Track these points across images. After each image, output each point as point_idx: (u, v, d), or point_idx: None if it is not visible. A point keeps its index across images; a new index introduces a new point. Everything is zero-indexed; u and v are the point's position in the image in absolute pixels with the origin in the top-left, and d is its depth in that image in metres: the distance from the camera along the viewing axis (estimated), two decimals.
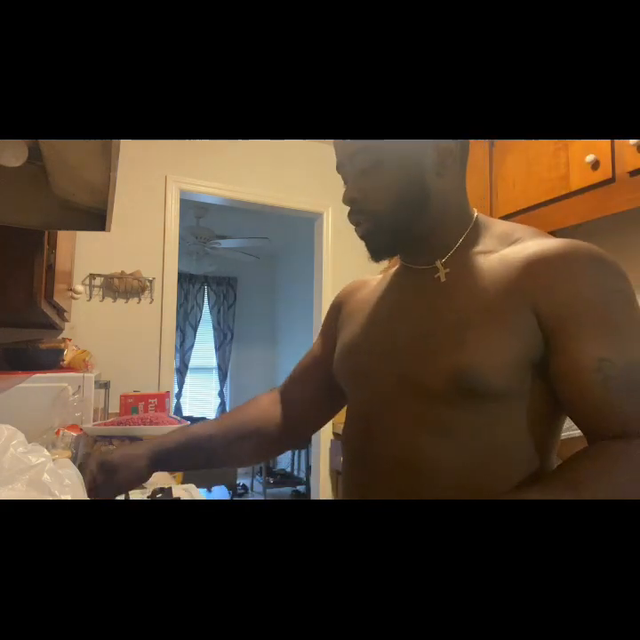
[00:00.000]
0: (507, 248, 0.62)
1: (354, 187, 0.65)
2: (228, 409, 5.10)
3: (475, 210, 0.69)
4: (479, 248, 0.65)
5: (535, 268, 0.57)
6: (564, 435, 0.64)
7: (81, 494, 0.65)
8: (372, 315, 0.72)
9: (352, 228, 0.69)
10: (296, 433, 0.85)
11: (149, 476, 0.73)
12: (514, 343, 0.56)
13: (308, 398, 0.83)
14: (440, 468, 0.58)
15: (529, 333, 0.56)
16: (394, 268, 0.76)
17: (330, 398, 0.82)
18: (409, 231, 0.65)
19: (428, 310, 0.64)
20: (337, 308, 0.84)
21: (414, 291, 0.68)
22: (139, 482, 0.72)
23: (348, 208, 0.66)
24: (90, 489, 0.66)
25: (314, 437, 2.74)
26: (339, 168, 0.67)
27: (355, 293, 0.82)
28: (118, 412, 1.71)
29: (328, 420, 0.88)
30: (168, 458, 0.74)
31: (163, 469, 0.76)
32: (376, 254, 0.67)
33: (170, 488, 1.09)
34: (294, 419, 0.83)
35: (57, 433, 1.34)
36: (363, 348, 0.70)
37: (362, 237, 0.67)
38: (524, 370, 0.57)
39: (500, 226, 0.67)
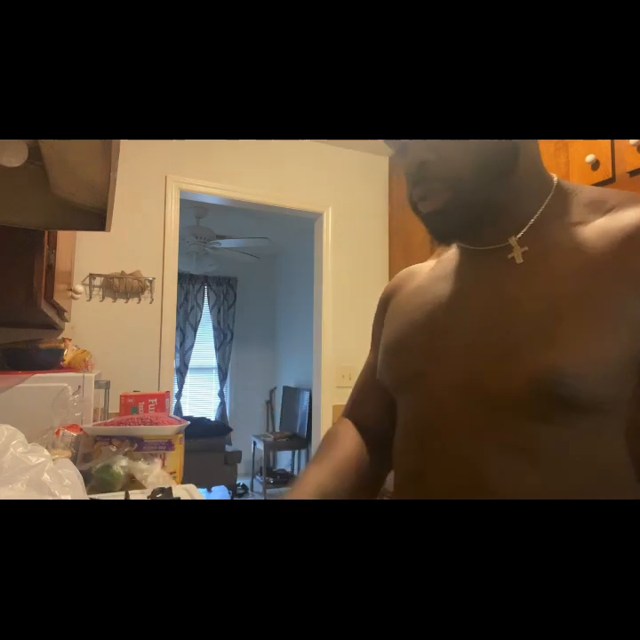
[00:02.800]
0: (601, 218, 0.50)
1: (424, 145, 0.51)
2: (228, 409, 5.10)
3: (554, 174, 0.56)
4: (565, 220, 0.52)
5: None
6: None
7: (81, 494, 0.65)
8: (425, 307, 0.59)
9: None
10: (385, 453, 0.68)
11: None
12: (618, 338, 0.45)
13: (383, 417, 0.68)
14: (518, 494, 0.47)
15: (637, 326, 0.45)
16: (448, 252, 0.63)
17: None
18: (492, 202, 0.52)
19: (499, 299, 0.52)
20: (384, 304, 0.71)
21: (479, 276, 0.55)
22: None
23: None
24: None
25: (314, 438, 2.74)
26: None
27: (403, 285, 0.68)
28: (118, 411, 1.70)
29: None
30: None
31: None
32: (445, 236, 0.55)
33: (170, 488, 1.09)
34: (380, 444, 0.68)
35: (57, 433, 1.34)
36: (413, 346, 0.58)
37: (432, 213, 0.53)
38: (630, 372, 0.45)
39: (588, 192, 0.54)
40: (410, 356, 0.59)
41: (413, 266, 0.72)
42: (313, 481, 0.61)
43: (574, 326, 0.46)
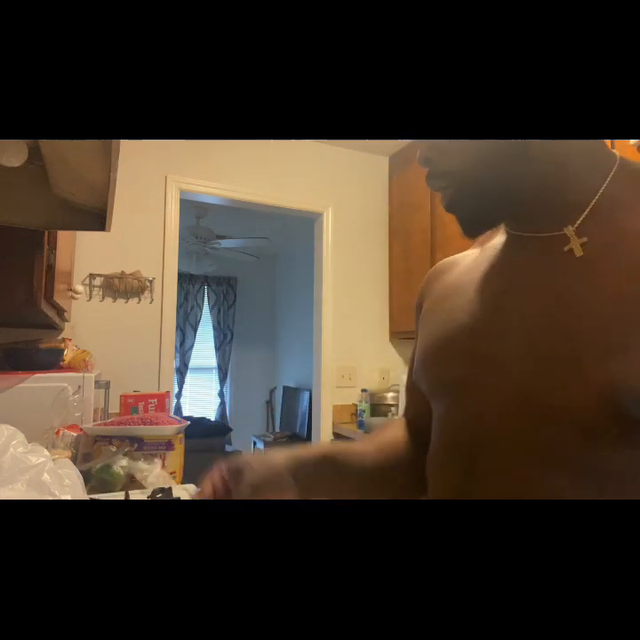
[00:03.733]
0: None
1: (426, 143, 0.50)
2: (228, 409, 5.10)
3: (616, 152, 0.50)
4: (633, 206, 0.46)
5: None
6: None
7: (81, 494, 0.65)
8: (468, 304, 0.53)
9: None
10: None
11: (288, 479, 0.57)
12: None
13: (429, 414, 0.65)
14: None
15: None
16: (494, 240, 0.57)
17: None
18: (506, 193, 0.48)
19: (560, 298, 0.45)
20: (423, 294, 0.65)
21: (533, 270, 0.49)
22: (278, 481, 0.56)
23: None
24: (219, 495, 0.55)
25: (314, 437, 2.74)
26: None
27: (441, 276, 0.62)
28: (118, 411, 1.71)
29: None
30: (305, 470, 0.59)
31: (300, 480, 0.58)
32: (469, 229, 0.51)
33: (170, 488, 1.09)
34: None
35: (57, 433, 1.34)
36: (454, 348, 0.52)
37: (446, 209, 0.51)
38: None
39: None
40: (450, 360, 0.53)
41: (455, 255, 0.65)
42: (357, 448, 0.64)
43: None
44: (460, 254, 0.64)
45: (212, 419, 4.86)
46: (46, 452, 0.72)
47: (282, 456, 0.60)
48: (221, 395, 5.13)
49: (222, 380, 5.14)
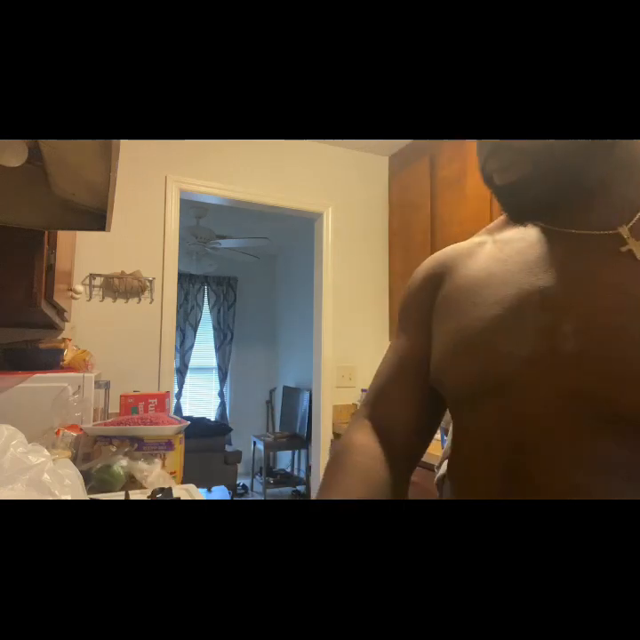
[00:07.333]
0: None
1: None
2: (228, 409, 5.10)
3: None
4: None
5: None
6: None
7: (81, 494, 0.65)
8: (508, 300, 0.49)
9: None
10: (410, 462, 0.60)
11: None
12: None
13: (411, 418, 0.59)
14: None
15: None
16: (508, 232, 0.55)
17: (436, 404, 0.60)
18: (582, 181, 0.45)
19: (621, 300, 0.43)
20: (434, 282, 0.59)
21: (588, 269, 0.46)
22: None
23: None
24: None
25: (314, 437, 2.74)
26: None
27: (455, 267, 0.58)
28: (118, 411, 1.70)
29: (435, 433, 0.63)
30: None
31: None
32: (520, 213, 0.48)
33: (170, 488, 1.09)
34: (404, 453, 0.58)
35: (57, 433, 1.34)
36: (499, 346, 0.48)
37: (507, 186, 0.47)
38: None
39: None
40: (491, 359, 0.49)
41: (460, 244, 0.61)
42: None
43: None
44: (466, 244, 0.60)
45: (212, 419, 4.86)
46: (46, 452, 0.72)
47: None
48: (221, 395, 5.13)
49: (222, 380, 5.14)
